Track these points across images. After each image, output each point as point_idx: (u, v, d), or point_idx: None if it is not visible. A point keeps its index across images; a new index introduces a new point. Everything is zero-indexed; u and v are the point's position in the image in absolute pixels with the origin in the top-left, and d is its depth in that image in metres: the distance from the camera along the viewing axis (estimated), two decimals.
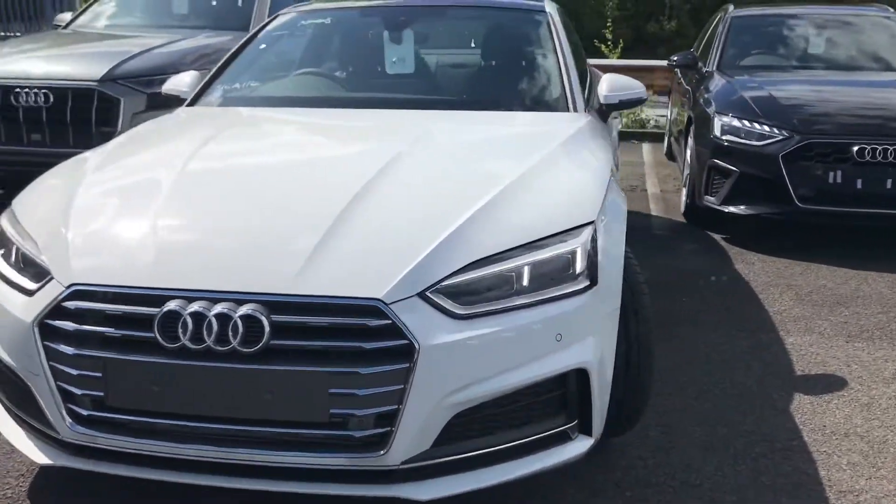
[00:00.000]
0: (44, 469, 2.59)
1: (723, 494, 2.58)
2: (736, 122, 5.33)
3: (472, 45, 4.15)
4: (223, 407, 2.12)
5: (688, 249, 5.32)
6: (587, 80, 3.83)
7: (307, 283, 2.11)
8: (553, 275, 2.28)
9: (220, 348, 2.06)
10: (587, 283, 2.31)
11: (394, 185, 2.52)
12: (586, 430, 2.36)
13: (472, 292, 2.18)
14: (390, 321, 2.06)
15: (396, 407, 2.07)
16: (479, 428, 2.21)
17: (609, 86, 3.50)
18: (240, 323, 2.05)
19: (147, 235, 2.32)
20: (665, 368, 3.32)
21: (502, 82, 3.78)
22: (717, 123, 5.41)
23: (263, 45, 4.05)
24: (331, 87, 3.82)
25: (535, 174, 2.62)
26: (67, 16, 7.14)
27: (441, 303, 2.13)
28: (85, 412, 2.19)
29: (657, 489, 2.60)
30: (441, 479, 2.18)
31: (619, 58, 11.34)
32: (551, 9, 4.06)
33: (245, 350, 2.05)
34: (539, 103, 3.48)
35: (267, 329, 2.05)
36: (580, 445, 2.35)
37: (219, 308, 2.07)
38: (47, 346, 2.18)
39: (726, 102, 5.55)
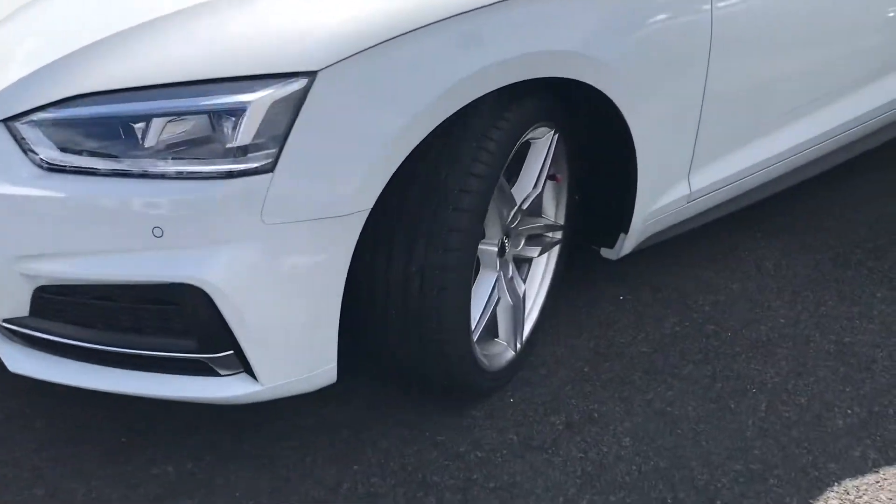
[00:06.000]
0: None
1: None
2: None
3: None
4: None
5: None
6: None
7: None
8: (202, 139, 1.53)
9: None
10: (251, 165, 1.51)
11: None
12: (251, 371, 1.65)
13: (77, 137, 1.58)
14: None
15: None
16: (78, 315, 1.69)
17: None
18: None
19: None
20: None
21: None
22: None
23: None
24: None
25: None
26: None
27: (31, 140, 1.58)
28: None
29: None
30: (39, 356, 1.75)
31: None
32: None
33: None
34: None
35: None
36: (234, 386, 1.67)
37: None
38: None
39: None
